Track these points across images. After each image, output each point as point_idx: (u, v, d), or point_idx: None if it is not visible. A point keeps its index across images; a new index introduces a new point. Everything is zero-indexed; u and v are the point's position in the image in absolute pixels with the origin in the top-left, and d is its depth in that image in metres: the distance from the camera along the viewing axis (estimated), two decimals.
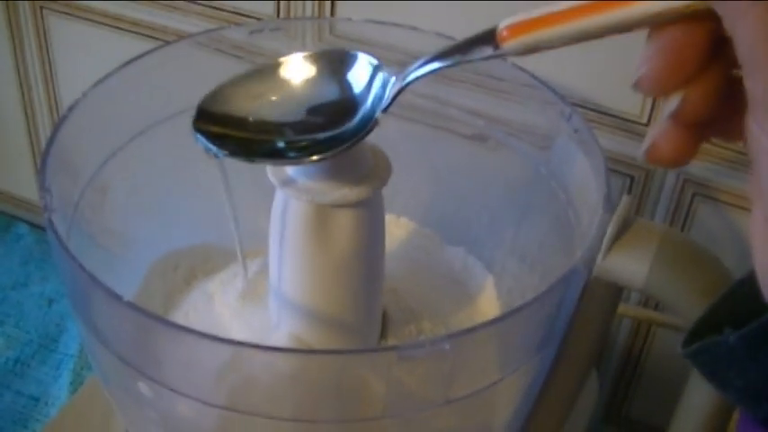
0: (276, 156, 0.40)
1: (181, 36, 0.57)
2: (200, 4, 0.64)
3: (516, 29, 0.32)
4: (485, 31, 0.33)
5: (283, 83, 0.40)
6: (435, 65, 0.35)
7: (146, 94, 0.50)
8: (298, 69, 0.41)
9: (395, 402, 0.39)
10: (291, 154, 0.39)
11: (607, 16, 0.29)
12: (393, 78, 0.38)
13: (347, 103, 0.39)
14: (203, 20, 0.64)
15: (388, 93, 0.38)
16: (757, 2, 0.25)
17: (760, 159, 0.27)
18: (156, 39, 0.66)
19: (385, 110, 0.38)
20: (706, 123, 0.30)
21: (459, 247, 0.56)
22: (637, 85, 0.29)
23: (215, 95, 0.40)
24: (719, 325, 0.31)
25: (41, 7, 0.69)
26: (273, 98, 0.40)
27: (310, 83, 0.40)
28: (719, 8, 0.27)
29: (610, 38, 0.30)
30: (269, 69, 0.41)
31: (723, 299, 0.32)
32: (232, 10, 0.63)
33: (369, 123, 0.38)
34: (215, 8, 0.63)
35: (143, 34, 0.67)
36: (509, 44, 0.32)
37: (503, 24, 0.32)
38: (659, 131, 0.30)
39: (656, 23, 0.29)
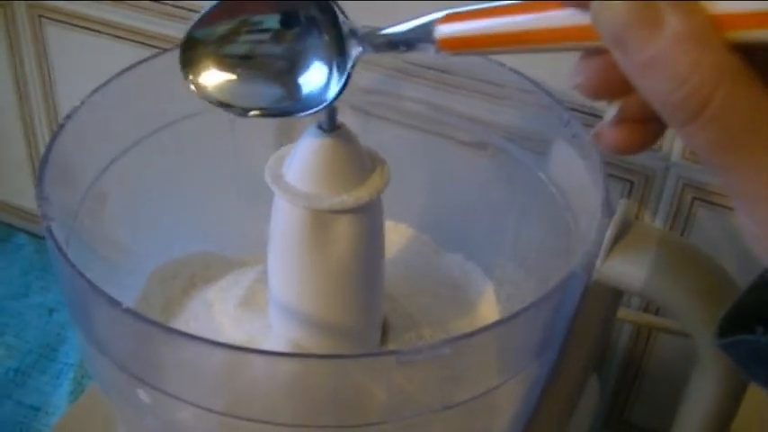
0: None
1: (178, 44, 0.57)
2: (197, 13, 0.64)
3: (452, 43, 0.32)
4: (426, 25, 0.33)
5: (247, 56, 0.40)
6: (388, 34, 0.35)
7: (144, 102, 0.50)
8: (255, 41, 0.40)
9: (395, 408, 0.39)
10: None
11: (540, 46, 0.30)
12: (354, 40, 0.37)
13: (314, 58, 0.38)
14: None
15: (351, 62, 0.37)
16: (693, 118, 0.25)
17: (737, 214, 0.27)
18: (154, 47, 0.66)
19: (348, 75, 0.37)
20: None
21: (458, 253, 0.56)
22: (575, 89, 0.30)
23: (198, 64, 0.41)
24: (752, 314, 0.30)
25: (39, 16, 0.69)
26: (243, 81, 0.40)
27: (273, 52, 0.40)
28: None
29: None
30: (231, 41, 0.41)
31: (754, 287, 0.32)
32: None
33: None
34: None
35: (141, 42, 0.67)
36: (445, 52, 0.33)
37: (440, 32, 0.32)
38: (607, 122, 0.30)
39: (590, 49, 0.29)
